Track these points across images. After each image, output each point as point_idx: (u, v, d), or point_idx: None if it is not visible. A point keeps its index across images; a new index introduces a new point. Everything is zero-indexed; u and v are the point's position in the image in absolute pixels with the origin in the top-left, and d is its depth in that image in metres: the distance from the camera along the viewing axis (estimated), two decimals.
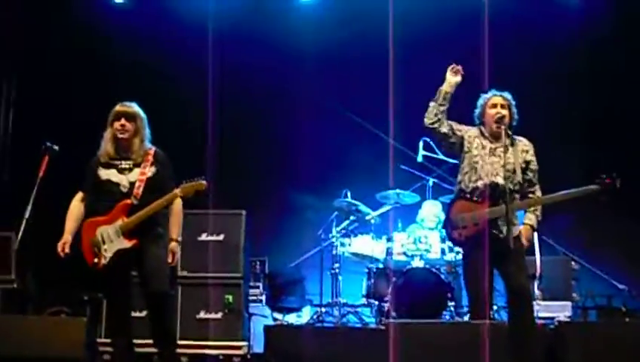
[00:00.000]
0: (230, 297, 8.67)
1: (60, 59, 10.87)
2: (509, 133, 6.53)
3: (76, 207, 6.55)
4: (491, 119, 6.51)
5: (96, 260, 6.35)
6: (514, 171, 6.42)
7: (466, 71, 6.65)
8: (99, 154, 6.52)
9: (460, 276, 8.84)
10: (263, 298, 9.63)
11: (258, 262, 9.83)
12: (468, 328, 5.75)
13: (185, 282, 8.78)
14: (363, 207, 9.63)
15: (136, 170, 6.42)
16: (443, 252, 9.16)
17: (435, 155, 9.04)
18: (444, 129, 6.58)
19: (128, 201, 6.33)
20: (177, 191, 6.40)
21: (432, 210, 9.47)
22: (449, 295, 8.73)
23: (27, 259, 8.96)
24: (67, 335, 6.03)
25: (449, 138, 6.62)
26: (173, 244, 6.47)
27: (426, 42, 10.46)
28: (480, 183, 6.44)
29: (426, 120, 6.60)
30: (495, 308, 8.40)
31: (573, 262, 9.38)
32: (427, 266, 8.99)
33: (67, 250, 6.41)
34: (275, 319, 9.38)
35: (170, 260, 6.47)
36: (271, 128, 11.03)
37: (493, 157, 6.50)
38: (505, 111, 6.50)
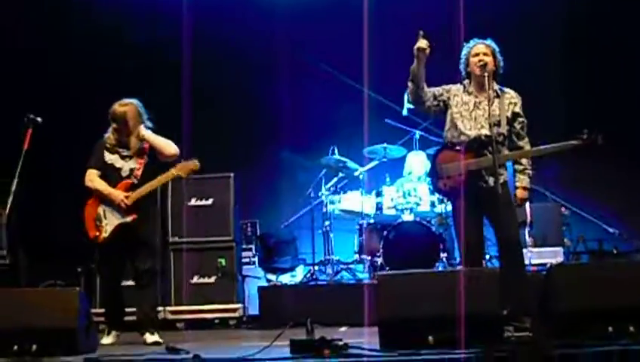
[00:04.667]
0: (223, 260, 8.72)
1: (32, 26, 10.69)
2: (495, 84, 6.46)
3: (97, 180, 6.98)
4: (475, 67, 6.46)
5: (97, 233, 6.88)
6: (499, 123, 6.35)
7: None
8: (105, 137, 7.06)
9: (451, 227, 8.88)
10: (256, 260, 9.69)
11: (249, 224, 9.87)
12: (457, 276, 5.74)
13: (177, 248, 8.83)
14: (351, 163, 9.62)
15: (135, 158, 6.97)
16: (433, 204, 9.16)
17: None
18: (428, 103, 6.52)
19: (129, 181, 6.91)
20: (174, 170, 6.93)
21: (416, 161, 9.46)
22: (441, 246, 8.76)
23: (17, 233, 8.95)
24: (61, 306, 6.00)
25: (434, 107, 6.58)
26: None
27: None
28: (463, 137, 6.39)
29: (407, 99, 6.63)
30: (487, 257, 8.42)
31: (563, 208, 9.41)
32: (418, 219, 9.01)
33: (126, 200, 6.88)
34: (268, 280, 9.40)
35: None
36: (254, 89, 10.94)
37: (478, 110, 6.42)
38: (488, 58, 6.42)
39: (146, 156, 7.00)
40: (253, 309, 8.84)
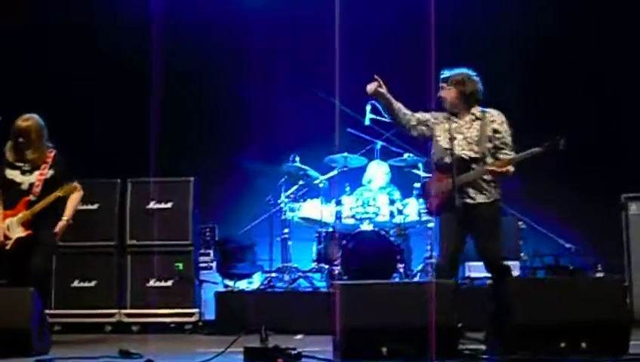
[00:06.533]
0: (180, 264, 8.70)
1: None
2: (476, 107, 6.61)
3: None
4: None
5: (3, 241, 7.28)
6: (478, 143, 6.49)
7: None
8: (6, 154, 7.43)
9: (409, 238, 9.03)
10: (214, 265, 9.60)
11: (208, 229, 9.80)
12: (414, 288, 5.79)
13: (134, 251, 8.79)
14: (312, 172, 9.61)
15: (36, 172, 7.33)
16: (392, 214, 9.19)
17: (382, 118, 9.00)
18: (418, 127, 6.72)
19: (27, 198, 7.26)
20: (58, 192, 7.26)
21: (377, 170, 9.51)
22: (398, 257, 8.78)
23: None
24: (14, 306, 5.98)
25: (424, 130, 6.74)
26: (61, 223, 7.33)
27: (373, 3, 10.46)
28: (447, 159, 6.51)
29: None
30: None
31: (520, 222, 9.46)
32: (376, 229, 9.02)
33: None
34: (225, 286, 9.36)
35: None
36: (218, 93, 10.91)
37: (459, 134, 6.58)
38: (444, 92, 6.64)
39: (49, 170, 7.35)
40: (210, 314, 8.80)
